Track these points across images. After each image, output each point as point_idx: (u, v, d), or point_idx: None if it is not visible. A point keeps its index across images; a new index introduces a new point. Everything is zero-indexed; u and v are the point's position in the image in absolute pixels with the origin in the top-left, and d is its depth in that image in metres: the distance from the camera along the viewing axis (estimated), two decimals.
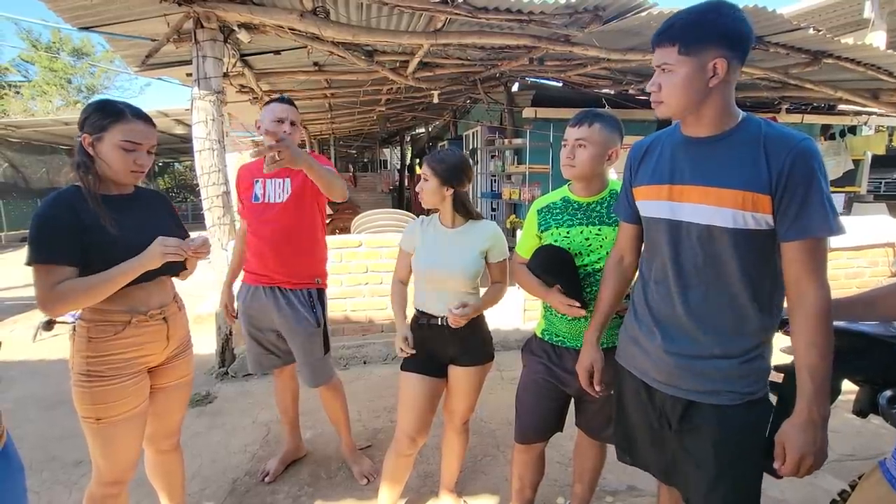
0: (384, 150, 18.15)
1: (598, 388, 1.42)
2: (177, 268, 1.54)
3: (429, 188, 1.69)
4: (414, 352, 1.70)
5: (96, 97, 19.39)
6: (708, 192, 1.09)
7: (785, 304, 1.12)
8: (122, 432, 1.43)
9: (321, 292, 2.14)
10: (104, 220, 1.34)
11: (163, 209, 1.60)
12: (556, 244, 1.57)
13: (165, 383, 1.57)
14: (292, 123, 1.99)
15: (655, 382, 1.23)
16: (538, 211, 1.66)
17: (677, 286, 1.16)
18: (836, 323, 1.05)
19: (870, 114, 7.33)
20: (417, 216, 2.12)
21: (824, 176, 1.02)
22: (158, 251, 1.34)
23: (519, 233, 3.06)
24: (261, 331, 2.14)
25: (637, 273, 1.37)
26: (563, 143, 1.56)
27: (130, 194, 1.49)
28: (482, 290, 1.78)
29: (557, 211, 1.61)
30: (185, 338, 1.62)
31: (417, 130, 13.92)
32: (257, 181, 2.05)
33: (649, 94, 1.14)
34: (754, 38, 1.08)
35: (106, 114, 1.36)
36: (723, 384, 1.13)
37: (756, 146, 1.05)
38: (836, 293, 1.04)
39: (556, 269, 1.54)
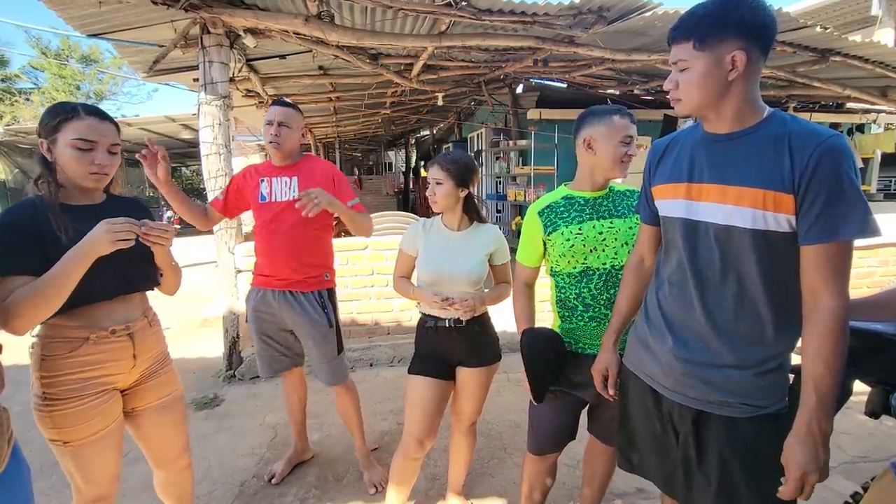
0: (389, 152, 18.24)
1: (611, 393, 1.38)
2: (149, 281, 1.44)
3: (444, 191, 1.65)
4: (447, 297, 1.62)
5: (105, 103, 19.61)
6: (727, 191, 1.04)
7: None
8: (96, 453, 1.31)
9: (331, 292, 2.15)
10: (60, 230, 1.21)
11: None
12: (570, 242, 1.49)
13: (146, 404, 1.45)
14: (279, 125, 1.98)
15: (663, 389, 1.18)
16: (539, 213, 1.56)
17: (693, 289, 1.11)
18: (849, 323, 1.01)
19: (879, 112, 7.27)
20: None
21: (856, 175, 0.95)
22: (104, 233, 1.15)
23: None
24: (271, 334, 2.14)
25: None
26: (625, 139, 1.44)
27: (99, 204, 1.37)
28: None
29: (562, 210, 1.54)
30: (159, 355, 1.49)
31: (422, 133, 13.97)
32: (263, 180, 2.06)
33: (654, 94, 1.13)
34: (777, 27, 1.01)
35: (56, 114, 1.26)
36: (734, 395, 1.07)
37: (780, 143, 0.98)
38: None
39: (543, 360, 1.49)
